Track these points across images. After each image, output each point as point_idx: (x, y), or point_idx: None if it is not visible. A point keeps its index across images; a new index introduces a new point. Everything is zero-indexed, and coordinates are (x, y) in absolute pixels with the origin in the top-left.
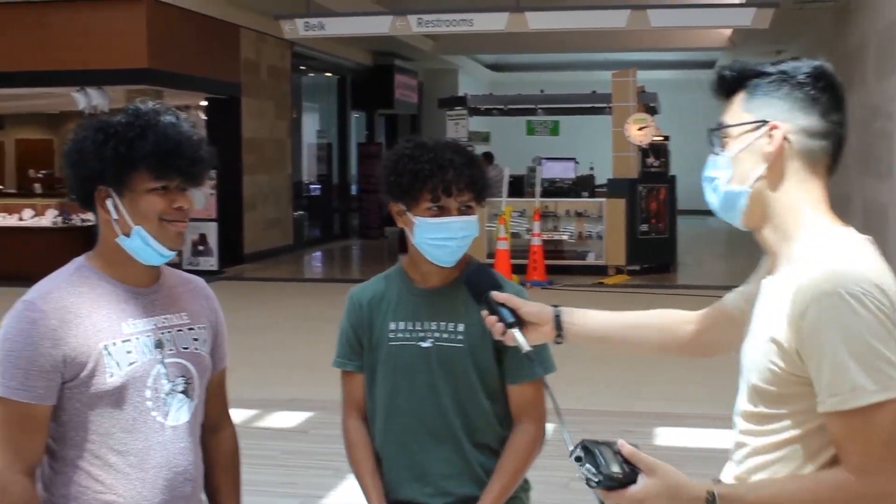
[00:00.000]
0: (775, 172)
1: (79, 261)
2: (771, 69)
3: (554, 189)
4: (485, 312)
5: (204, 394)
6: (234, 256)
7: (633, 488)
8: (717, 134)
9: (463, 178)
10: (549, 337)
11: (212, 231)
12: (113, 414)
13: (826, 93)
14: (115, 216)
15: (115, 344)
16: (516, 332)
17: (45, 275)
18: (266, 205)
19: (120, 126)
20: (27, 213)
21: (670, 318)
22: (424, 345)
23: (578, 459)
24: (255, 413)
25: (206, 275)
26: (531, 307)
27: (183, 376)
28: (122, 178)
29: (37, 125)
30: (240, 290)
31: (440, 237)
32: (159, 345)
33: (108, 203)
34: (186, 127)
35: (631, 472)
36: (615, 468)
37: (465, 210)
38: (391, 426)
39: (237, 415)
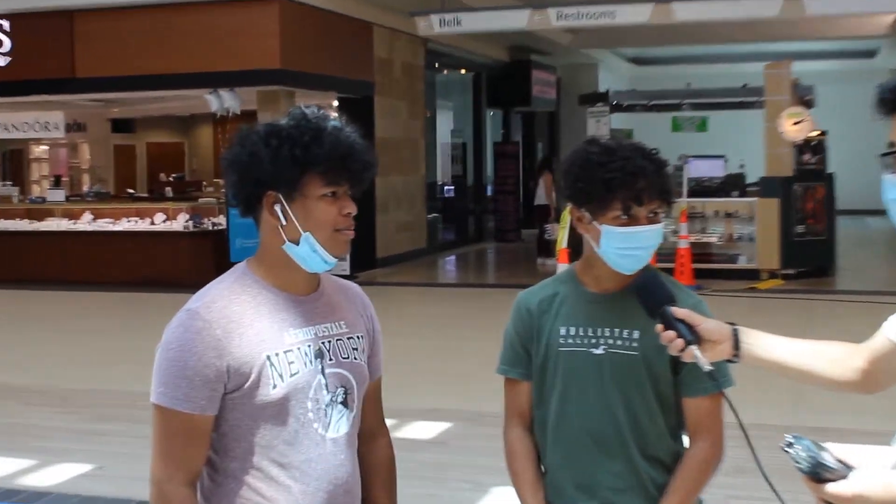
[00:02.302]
0: None
1: (240, 268)
2: None
3: (701, 189)
4: (660, 327)
5: (361, 404)
6: (366, 260)
7: (847, 482)
8: (889, 157)
9: (654, 187)
10: (726, 355)
11: None
12: (275, 425)
13: None
14: (283, 222)
15: (277, 354)
16: (696, 350)
17: (178, 280)
18: (399, 207)
19: (293, 130)
20: (159, 217)
21: (842, 351)
22: (597, 351)
23: (790, 445)
24: (393, 423)
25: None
26: (709, 324)
27: (343, 386)
28: (295, 182)
29: (167, 128)
30: (372, 295)
31: (629, 247)
32: (320, 354)
33: (277, 208)
34: (353, 132)
35: (844, 468)
36: (828, 458)
37: (652, 218)
38: (559, 436)
39: None
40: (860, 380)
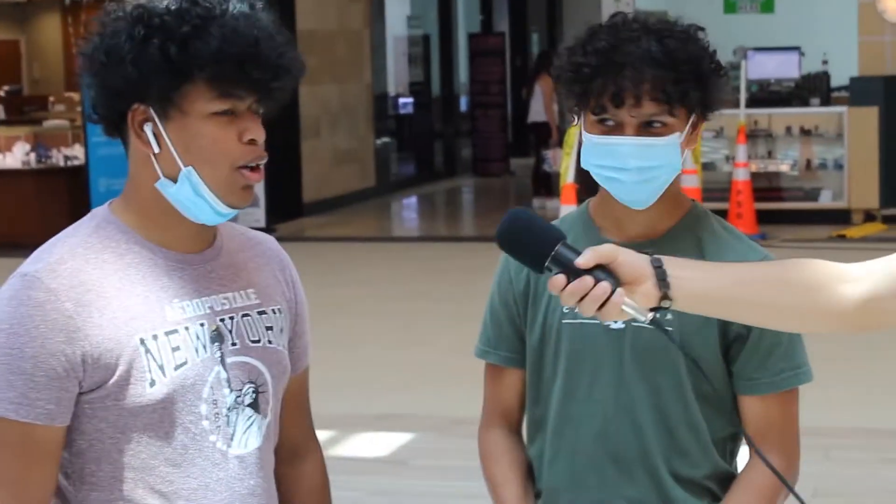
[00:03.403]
0: None
1: (100, 214)
2: None
3: (767, 95)
4: (559, 278)
5: (279, 406)
6: (289, 207)
7: None
8: None
9: (646, 78)
10: (652, 300)
11: None
12: (155, 439)
13: None
14: (156, 149)
15: (156, 337)
16: (625, 298)
17: (17, 238)
18: (335, 130)
19: (168, 16)
20: None
21: (817, 274)
22: (614, 325)
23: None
24: (330, 436)
25: None
26: (624, 257)
27: (252, 382)
28: (169, 93)
29: None
30: (298, 255)
31: (607, 165)
32: (218, 337)
33: (147, 129)
34: (264, 19)
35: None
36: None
37: (648, 128)
38: (560, 447)
39: None
40: (854, 312)
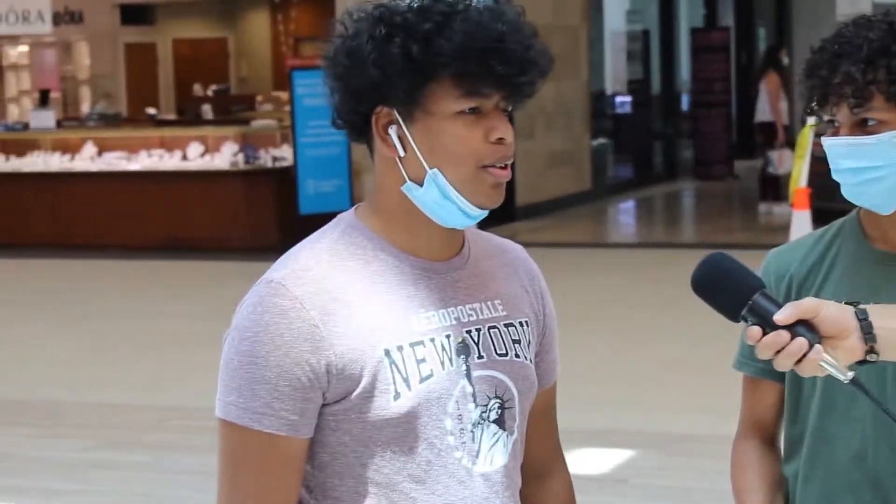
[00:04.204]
0: None
1: (346, 219)
2: None
3: None
4: (755, 330)
5: (525, 424)
6: (501, 211)
7: None
8: None
9: (860, 74)
10: (858, 354)
11: None
12: (398, 454)
13: None
14: (401, 152)
15: (401, 348)
16: (824, 354)
17: (222, 241)
18: (550, 130)
19: (411, 14)
20: (194, 149)
21: None
22: None
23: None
24: None
25: None
26: (828, 311)
27: (498, 397)
28: (413, 93)
29: (202, 18)
30: None
31: (833, 168)
32: (464, 349)
33: (392, 132)
34: (509, 12)
35: None
36: None
37: (863, 126)
38: (815, 468)
39: None
40: None
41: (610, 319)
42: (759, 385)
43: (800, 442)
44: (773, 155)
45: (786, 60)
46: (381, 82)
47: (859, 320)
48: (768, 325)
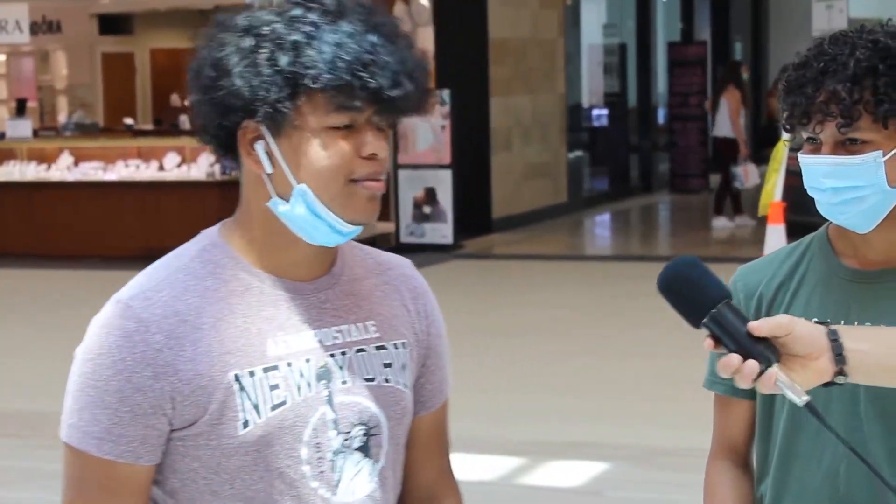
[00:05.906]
0: None
1: (209, 235)
2: None
3: None
4: (709, 342)
5: (401, 451)
6: (477, 223)
7: None
8: None
9: (847, 93)
10: (827, 375)
11: (444, 184)
12: (249, 483)
13: None
14: (268, 169)
15: (252, 373)
16: (780, 374)
17: None
18: (527, 142)
19: (279, 24)
20: (171, 159)
21: None
22: None
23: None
24: (521, 463)
25: (437, 251)
26: (800, 329)
27: (363, 424)
28: (280, 107)
29: (180, 28)
30: (487, 273)
31: (809, 186)
32: (326, 374)
33: (258, 148)
34: (386, 24)
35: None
36: None
37: (847, 146)
38: (786, 483)
39: (495, 466)
40: None
41: (585, 332)
42: (730, 403)
43: (771, 460)
44: (739, 170)
45: (746, 75)
46: (247, 95)
47: (831, 341)
48: (727, 336)
